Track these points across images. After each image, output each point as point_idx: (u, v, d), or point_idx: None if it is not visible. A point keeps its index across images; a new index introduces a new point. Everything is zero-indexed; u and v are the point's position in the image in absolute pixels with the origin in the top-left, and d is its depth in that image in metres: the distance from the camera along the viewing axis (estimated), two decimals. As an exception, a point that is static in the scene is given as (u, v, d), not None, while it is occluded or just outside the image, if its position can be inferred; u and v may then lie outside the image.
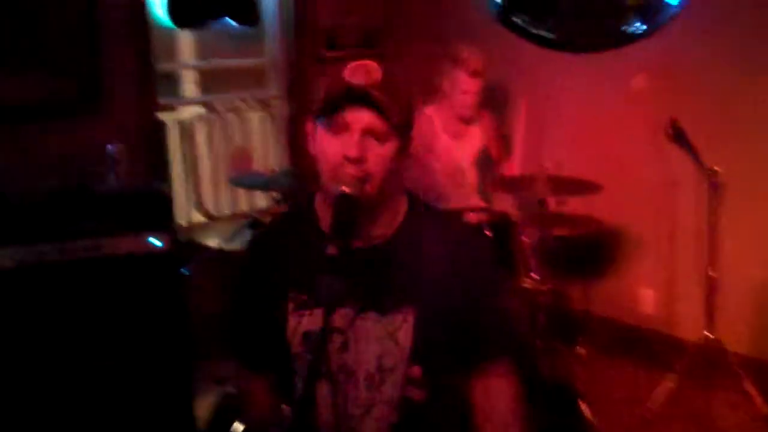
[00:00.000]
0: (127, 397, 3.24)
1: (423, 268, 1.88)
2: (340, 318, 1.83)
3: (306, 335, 1.89)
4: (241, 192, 4.79)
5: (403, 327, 1.86)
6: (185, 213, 5.02)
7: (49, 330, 3.14)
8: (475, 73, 4.10)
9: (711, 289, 4.02)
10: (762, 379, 3.94)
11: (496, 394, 1.95)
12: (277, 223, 2.21)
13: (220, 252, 3.51)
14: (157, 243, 3.27)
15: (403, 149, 1.85)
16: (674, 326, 4.46)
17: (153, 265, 3.29)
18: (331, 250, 1.67)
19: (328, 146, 1.79)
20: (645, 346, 4.52)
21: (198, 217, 4.77)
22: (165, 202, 3.47)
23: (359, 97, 1.75)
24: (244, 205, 4.86)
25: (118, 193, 3.51)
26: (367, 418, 1.89)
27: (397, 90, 1.80)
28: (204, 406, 3.36)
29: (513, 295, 3.65)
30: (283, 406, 1.95)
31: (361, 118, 1.76)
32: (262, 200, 4.65)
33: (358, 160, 1.75)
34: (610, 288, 4.75)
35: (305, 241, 1.91)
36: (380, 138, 1.77)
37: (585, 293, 4.80)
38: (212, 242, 3.59)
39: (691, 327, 4.21)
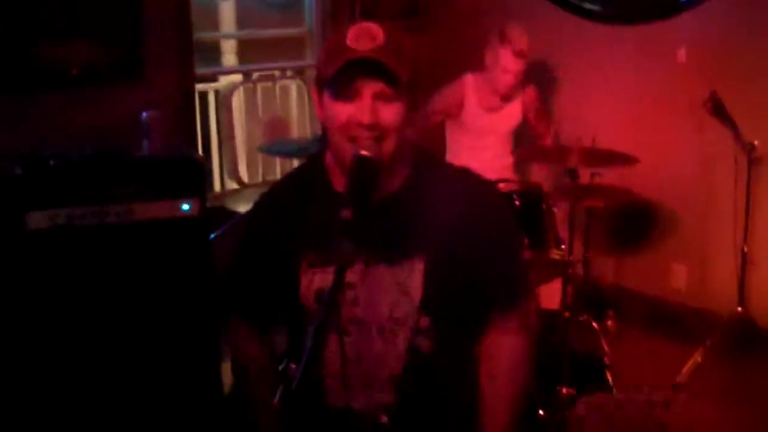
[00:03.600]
0: (155, 359, 3.31)
1: (431, 217, 1.88)
2: (351, 272, 1.80)
3: (319, 293, 1.85)
4: (276, 160, 4.84)
5: (412, 276, 1.86)
6: (220, 180, 5.12)
7: (79, 291, 3.21)
8: (519, 54, 4.05)
9: (745, 264, 3.99)
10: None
11: (503, 349, 1.97)
12: (288, 180, 2.16)
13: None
14: (187, 208, 3.34)
15: (412, 104, 1.85)
16: (706, 301, 4.41)
17: (183, 230, 3.35)
18: (346, 214, 1.66)
19: (340, 112, 1.79)
20: (676, 320, 4.50)
21: (232, 185, 4.84)
22: (197, 169, 3.50)
23: (369, 67, 1.76)
24: (278, 173, 4.92)
25: (152, 159, 3.55)
26: (381, 371, 1.90)
27: (401, 50, 1.80)
28: (230, 371, 3.41)
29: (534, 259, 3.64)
30: (291, 365, 1.97)
31: (370, 85, 1.77)
32: (296, 168, 4.69)
33: (372, 126, 1.77)
34: (642, 262, 4.72)
35: (317, 199, 1.91)
36: (390, 99, 1.78)
37: (616, 266, 4.78)
38: (242, 209, 3.64)
39: (723, 302, 4.17)
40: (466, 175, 2.02)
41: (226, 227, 3.55)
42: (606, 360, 3.87)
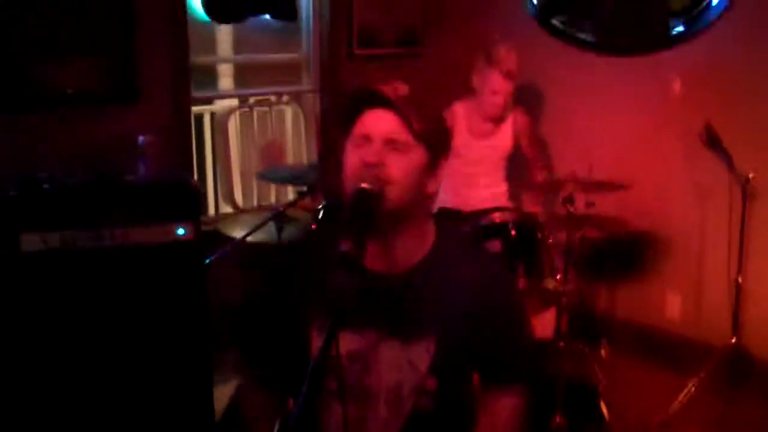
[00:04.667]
0: (149, 384, 3.28)
1: (447, 298, 1.87)
2: (363, 341, 1.85)
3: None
4: (271, 185, 4.85)
5: (424, 357, 1.85)
6: (215, 204, 5.11)
7: (73, 315, 3.19)
8: (508, 74, 4.06)
9: (739, 295, 3.99)
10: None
11: (503, 407, 1.96)
12: (304, 245, 2.23)
13: (242, 243, 3.55)
14: (182, 233, 3.33)
15: (431, 163, 1.85)
16: (700, 332, 4.40)
17: (178, 255, 3.33)
18: (345, 246, 1.65)
19: (350, 158, 1.82)
20: (669, 350, 4.48)
21: (227, 209, 4.84)
22: (192, 193, 3.49)
23: (378, 99, 1.80)
24: (273, 198, 4.92)
25: (147, 183, 3.54)
26: None
27: (423, 101, 1.84)
28: (221, 397, 3.39)
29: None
30: (290, 400, 1.94)
31: (381, 126, 1.80)
32: (291, 193, 4.70)
33: (376, 165, 1.77)
34: (636, 291, 4.71)
35: (329, 264, 1.84)
36: (402, 149, 1.79)
37: (611, 296, 4.78)
38: (237, 233, 3.63)
39: (717, 333, 4.16)
40: (479, 252, 2.08)
41: (221, 252, 3.54)
42: (600, 389, 3.87)
